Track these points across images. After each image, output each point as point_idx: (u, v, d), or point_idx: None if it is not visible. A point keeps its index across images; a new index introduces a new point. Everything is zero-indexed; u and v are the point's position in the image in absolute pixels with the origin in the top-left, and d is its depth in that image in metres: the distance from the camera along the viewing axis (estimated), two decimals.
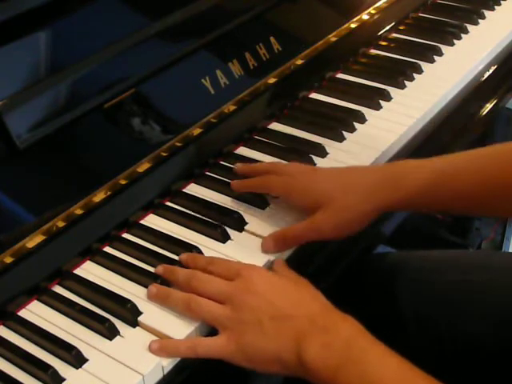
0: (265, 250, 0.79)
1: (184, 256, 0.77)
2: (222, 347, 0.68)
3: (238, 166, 0.89)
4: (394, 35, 1.21)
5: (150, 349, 0.68)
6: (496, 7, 1.28)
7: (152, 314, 0.72)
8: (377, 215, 0.81)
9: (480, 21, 1.24)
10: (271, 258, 0.78)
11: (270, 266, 0.78)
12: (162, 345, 0.68)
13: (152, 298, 0.73)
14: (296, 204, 0.83)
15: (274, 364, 0.67)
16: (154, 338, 0.69)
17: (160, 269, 0.76)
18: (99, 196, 0.80)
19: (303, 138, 0.97)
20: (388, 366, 0.64)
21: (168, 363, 0.68)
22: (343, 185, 0.80)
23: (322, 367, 0.64)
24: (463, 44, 1.18)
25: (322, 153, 0.93)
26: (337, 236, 0.80)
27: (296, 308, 0.68)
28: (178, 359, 0.69)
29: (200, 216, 0.84)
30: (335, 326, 0.67)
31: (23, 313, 0.73)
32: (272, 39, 1.02)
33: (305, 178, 0.82)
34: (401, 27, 1.23)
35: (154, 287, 0.73)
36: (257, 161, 0.92)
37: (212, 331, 0.70)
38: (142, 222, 0.83)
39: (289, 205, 0.84)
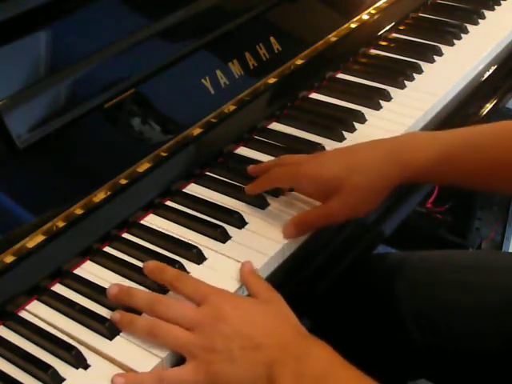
0: (287, 236, 0.79)
1: (151, 264, 0.74)
2: (190, 377, 0.65)
3: (249, 168, 0.88)
4: (394, 35, 1.21)
5: (114, 382, 0.65)
6: (496, 7, 1.28)
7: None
8: (391, 190, 0.80)
9: (480, 21, 1.24)
10: (271, 259, 0.78)
11: (268, 268, 0.78)
12: (127, 379, 0.65)
13: (116, 324, 0.69)
14: (306, 191, 0.83)
15: None
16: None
17: (114, 289, 0.71)
18: (99, 196, 0.80)
19: (303, 138, 0.97)
20: None
21: (169, 363, 0.68)
22: (351, 165, 0.79)
23: None
24: (463, 44, 1.18)
25: None
26: (355, 216, 0.81)
27: (268, 337, 0.65)
28: (179, 361, 0.69)
29: (200, 216, 0.84)
30: (309, 354, 0.64)
31: (23, 313, 0.73)
32: (272, 39, 1.02)
33: (311, 165, 0.82)
34: (401, 27, 1.23)
35: (118, 313, 0.70)
36: (257, 161, 0.92)
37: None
38: (142, 222, 0.83)
39: (288, 204, 0.85)
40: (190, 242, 0.79)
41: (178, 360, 0.68)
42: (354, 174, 0.78)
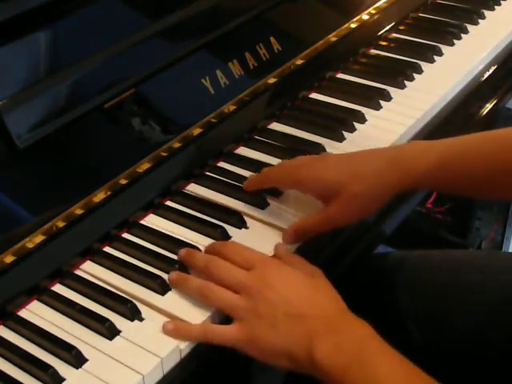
0: (286, 243, 0.80)
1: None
2: (233, 336, 0.69)
3: (245, 186, 0.87)
4: (394, 35, 1.21)
5: (164, 329, 0.69)
6: (496, 7, 1.28)
7: (151, 314, 0.72)
8: (390, 197, 0.81)
9: (480, 21, 1.24)
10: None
11: None
12: (176, 326, 0.70)
13: (172, 283, 0.74)
14: (307, 193, 0.83)
15: (283, 359, 0.67)
16: (154, 337, 0.69)
17: (183, 251, 0.77)
18: (99, 196, 0.80)
19: (303, 138, 0.97)
20: (396, 373, 0.64)
21: (169, 363, 0.68)
22: (352, 171, 0.80)
23: (331, 367, 0.64)
24: (463, 44, 1.18)
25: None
26: (354, 222, 0.82)
27: (311, 308, 0.69)
28: (178, 360, 0.69)
29: (200, 216, 0.84)
30: (348, 328, 0.67)
31: (23, 313, 0.73)
32: (272, 39, 1.02)
33: (313, 167, 0.83)
34: (401, 27, 1.23)
35: (175, 273, 0.75)
36: (257, 161, 0.92)
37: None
38: (142, 222, 0.83)
39: (288, 204, 0.85)
40: (189, 242, 0.79)
41: (178, 363, 0.69)
42: (354, 181, 0.79)
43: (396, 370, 0.64)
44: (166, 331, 0.69)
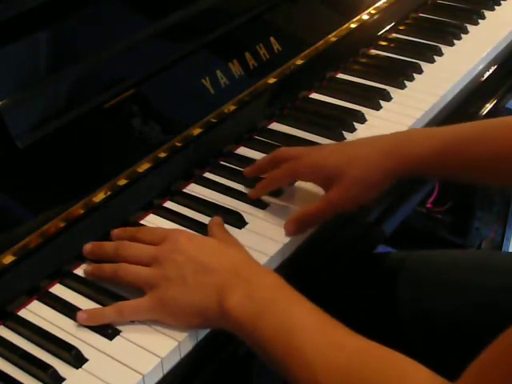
0: (288, 234, 0.80)
1: (116, 231, 0.79)
2: (147, 306, 0.69)
3: (245, 171, 0.89)
4: (394, 35, 1.21)
5: (78, 319, 0.70)
6: (496, 7, 1.28)
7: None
8: (390, 182, 0.81)
9: (480, 21, 1.24)
10: (271, 259, 0.78)
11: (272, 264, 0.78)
12: (89, 314, 0.70)
13: (89, 275, 0.75)
14: (308, 181, 0.85)
15: (196, 317, 0.68)
16: (154, 337, 0.69)
17: (89, 246, 0.77)
18: (99, 196, 0.80)
19: (303, 138, 0.97)
20: (308, 320, 0.64)
21: (169, 363, 0.68)
22: (352, 156, 0.80)
23: (242, 316, 0.65)
24: (463, 44, 1.18)
25: None
26: (355, 207, 0.82)
27: (219, 262, 0.69)
28: (178, 360, 0.69)
29: (200, 216, 0.84)
30: (258, 278, 0.68)
31: (23, 313, 0.73)
32: (272, 39, 1.02)
33: (311, 157, 0.83)
34: (401, 27, 1.23)
35: (91, 266, 0.75)
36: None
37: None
38: (141, 221, 0.83)
39: (289, 203, 0.85)
40: None
41: (178, 363, 0.69)
42: (353, 165, 0.80)
43: (308, 318, 0.64)
44: (81, 321, 0.69)
